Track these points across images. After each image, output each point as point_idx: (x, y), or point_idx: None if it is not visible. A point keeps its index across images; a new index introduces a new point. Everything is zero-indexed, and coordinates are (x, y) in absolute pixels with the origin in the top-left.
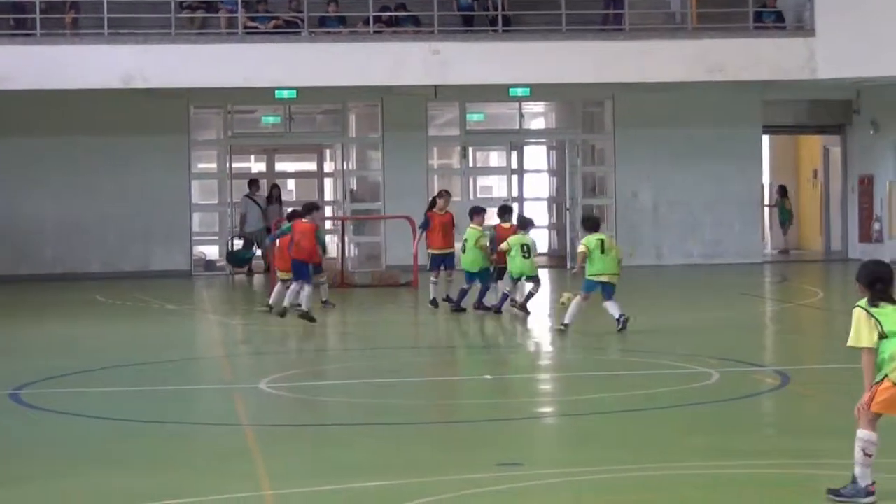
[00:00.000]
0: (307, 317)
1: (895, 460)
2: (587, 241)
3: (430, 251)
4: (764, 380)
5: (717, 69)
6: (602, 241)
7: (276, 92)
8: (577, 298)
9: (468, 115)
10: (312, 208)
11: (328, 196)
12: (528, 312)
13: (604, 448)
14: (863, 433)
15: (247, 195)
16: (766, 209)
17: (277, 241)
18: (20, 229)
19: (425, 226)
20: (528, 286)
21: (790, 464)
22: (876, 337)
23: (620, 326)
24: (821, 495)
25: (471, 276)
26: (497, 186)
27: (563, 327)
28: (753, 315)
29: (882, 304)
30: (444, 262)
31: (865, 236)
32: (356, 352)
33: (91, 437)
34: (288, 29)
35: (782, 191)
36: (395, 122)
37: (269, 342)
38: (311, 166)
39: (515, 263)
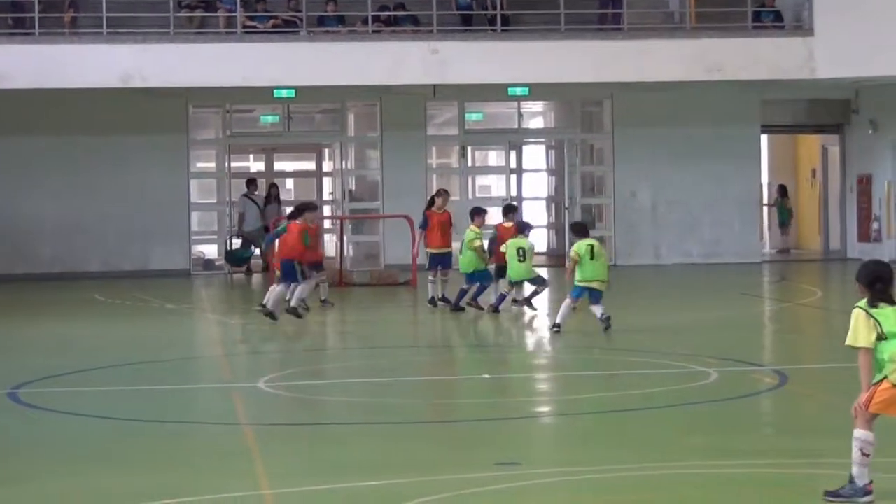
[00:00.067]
0: (270, 315)
1: (894, 460)
2: (578, 248)
3: (428, 250)
4: (763, 379)
5: (715, 69)
6: (592, 246)
7: (275, 91)
8: (567, 301)
9: (467, 115)
10: (304, 209)
11: (326, 195)
12: (534, 308)
13: (602, 447)
14: (860, 433)
15: (245, 194)
16: (766, 208)
17: (276, 241)
18: (19, 228)
19: (425, 225)
20: (532, 287)
21: (789, 463)
22: (874, 337)
23: (605, 325)
24: (819, 495)
25: (470, 277)
26: (496, 186)
27: (556, 329)
28: (752, 314)
29: (882, 304)
30: (441, 261)
31: (864, 236)
32: (355, 351)
33: (90, 437)
34: (286, 28)
35: (782, 190)
36: (394, 121)
37: (268, 341)
38: (310, 165)
39: (512, 267)
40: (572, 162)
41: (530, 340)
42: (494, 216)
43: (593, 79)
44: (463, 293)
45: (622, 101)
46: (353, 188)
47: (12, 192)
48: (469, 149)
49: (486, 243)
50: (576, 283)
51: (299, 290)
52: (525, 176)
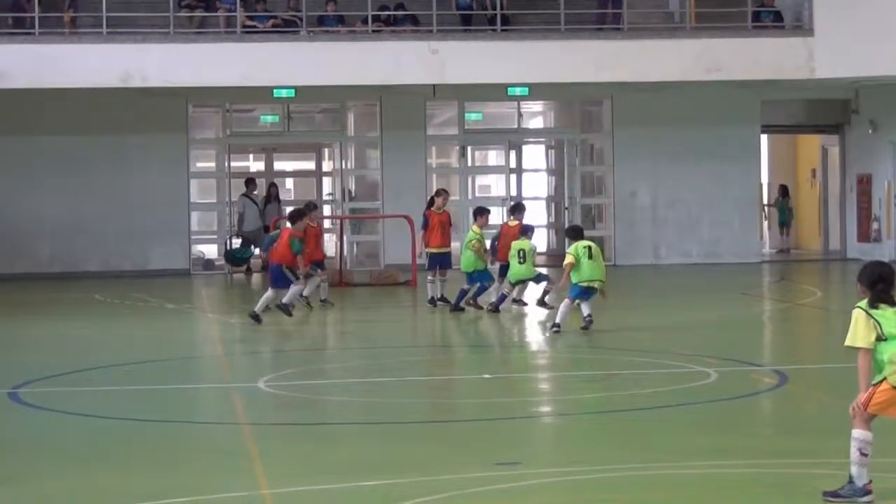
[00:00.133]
0: (254, 317)
1: (894, 460)
2: (574, 250)
3: (427, 250)
4: (762, 379)
5: (715, 69)
6: (589, 247)
7: (275, 91)
8: (567, 301)
9: (467, 115)
10: (297, 218)
11: (325, 195)
12: (549, 307)
13: (602, 447)
14: (858, 433)
15: (244, 194)
16: (766, 208)
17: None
18: (19, 228)
19: (426, 226)
20: (537, 286)
21: (789, 463)
22: (873, 338)
23: (585, 325)
24: (819, 495)
25: (470, 277)
26: (495, 186)
27: (556, 328)
28: (752, 314)
29: (882, 305)
30: (441, 261)
31: (864, 236)
32: (355, 351)
33: (90, 436)
34: (286, 28)
35: (783, 190)
36: (394, 121)
37: (268, 341)
38: (310, 165)
39: (512, 268)
40: (572, 162)
41: (530, 340)
42: (495, 216)
43: (593, 79)
44: (463, 293)
45: (622, 101)
46: (353, 189)
47: (12, 192)
48: (469, 148)
49: (488, 243)
50: (576, 283)
51: (292, 291)
52: (525, 176)
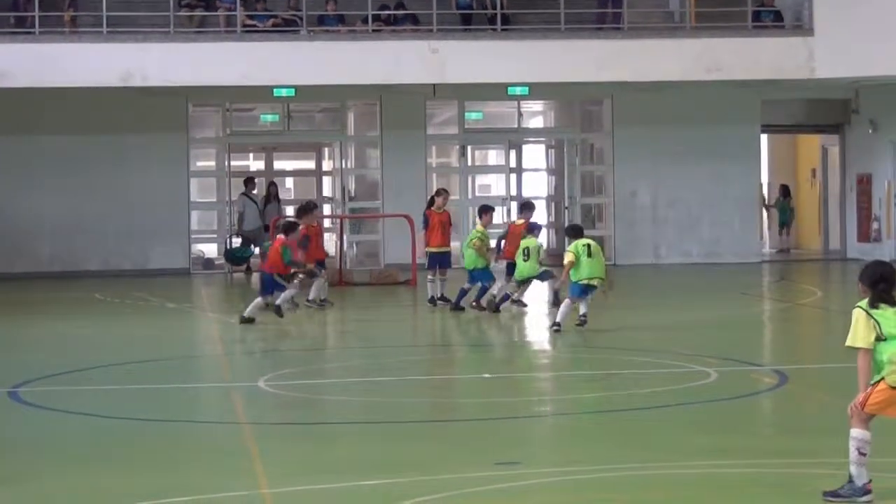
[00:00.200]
0: (246, 320)
1: (894, 460)
2: (574, 248)
3: (427, 250)
4: (762, 379)
5: (715, 68)
6: (588, 245)
7: (275, 90)
8: (567, 300)
9: (467, 114)
10: (289, 229)
11: (326, 194)
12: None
13: (602, 447)
14: (857, 432)
15: (244, 193)
16: (767, 209)
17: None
18: (18, 227)
19: (426, 225)
20: (541, 284)
21: (789, 463)
22: (873, 338)
23: (580, 322)
24: (819, 495)
25: (472, 275)
26: (496, 185)
27: (556, 328)
28: (752, 314)
29: (883, 305)
30: (441, 260)
31: (864, 236)
32: (354, 350)
33: (90, 436)
34: (286, 27)
35: (785, 190)
36: (394, 120)
37: (268, 340)
38: (310, 164)
39: (518, 266)
40: (572, 161)
41: (530, 340)
42: (495, 215)
43: (593, 78)
44: (463, 293)
45: (622, 101)
46: (353, 189)
47: (12, 191)
48: (469, 148)
49: (493, 241)
50: (576, 281)
51: (284, 295)
52: (525, 175)
